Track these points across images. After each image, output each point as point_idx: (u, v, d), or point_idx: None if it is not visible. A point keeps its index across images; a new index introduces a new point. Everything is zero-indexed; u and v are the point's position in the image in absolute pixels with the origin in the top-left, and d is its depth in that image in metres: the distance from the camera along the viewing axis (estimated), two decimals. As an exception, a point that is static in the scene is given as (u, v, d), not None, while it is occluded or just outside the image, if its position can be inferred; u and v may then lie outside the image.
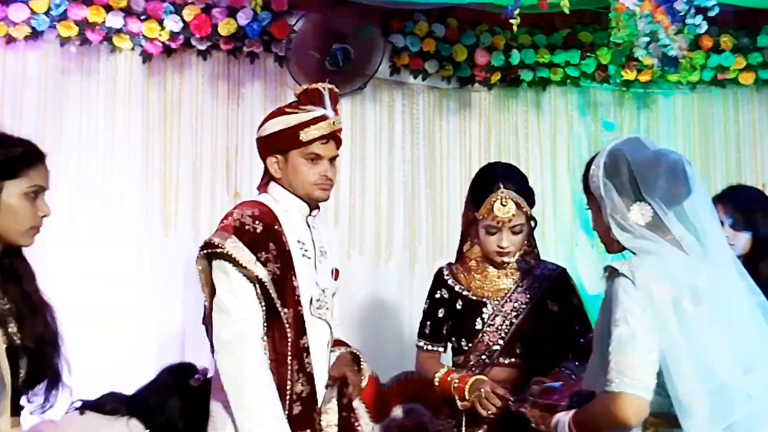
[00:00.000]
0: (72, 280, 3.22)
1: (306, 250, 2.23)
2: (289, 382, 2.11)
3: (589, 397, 1.83)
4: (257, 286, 2.11)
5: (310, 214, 2.29)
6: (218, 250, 2.12)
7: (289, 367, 2.11)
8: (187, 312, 3.41)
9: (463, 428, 2.38)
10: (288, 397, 2.11)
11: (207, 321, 2.21)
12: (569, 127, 4.00)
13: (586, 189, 1.87)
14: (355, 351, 2.36)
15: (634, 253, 1.78)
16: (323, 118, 2.23)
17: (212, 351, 2.17)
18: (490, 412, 2.28)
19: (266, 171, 2.31)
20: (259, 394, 2.06)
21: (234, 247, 2.11)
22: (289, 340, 2.12)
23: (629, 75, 3.88)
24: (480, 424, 2.36)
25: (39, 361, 1.62)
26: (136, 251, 3.45)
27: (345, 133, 2.40)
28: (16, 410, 1.62)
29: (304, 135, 2.21)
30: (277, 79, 3.66)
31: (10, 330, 1.58)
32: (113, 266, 3.38)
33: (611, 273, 1.75)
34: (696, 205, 1.78)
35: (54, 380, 1.66)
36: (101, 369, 3.11)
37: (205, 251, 2.16)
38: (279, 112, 2.28)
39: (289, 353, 2.12)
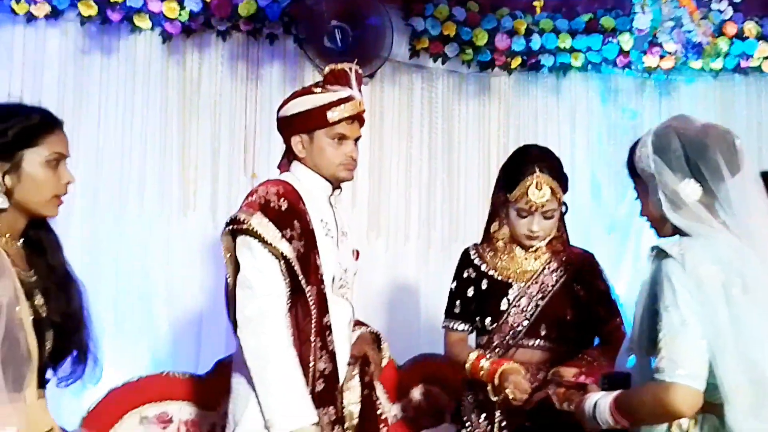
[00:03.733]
0: (90, 261, 3.23)
1: (329, 230, 2.24)
2: (312, 360, 2.11)
3: (624, 379, 1.81)
4: (282, 262, 2.11)
5: (332, 194, 2.29)
6: (244, 227, 2.12)
7: (312, 345, 2.12)
8: (204, 292, 3.42)
9: (495, 425, 2.37)
10: (311, 374, 2.11)
11: (229, 298, 2.20)
12: (589, 114, 3.97)
13: (633, 173, 1.84)
14: (375, 331, 2.37)
15: (682, 236, 1.74)
16: (350, 98, 2.23)
17: (234, 328, 2.18)
18: (520, 401, 2.27)
19: (289, 150, 2.30)
20: (283, 371, 2.07)
21: (259, 223, 2.11)
22: (313, 317, 2.13)
23: (651, 61, 3.83)
24: (514, 417, 2.36)
25: (65, 335, 1.62)
26: (154, 231, 3.45)
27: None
28: (41, 383, 1.62)
29: (331, 115, 2.21)
30: (296, 61, 3.63)
31: (36, 303, 1.58)
32: (131, 247, 3.39)
33: (659, 254, 1.71)
34: (745, 182, 1.74)
35: (80, 354, 1.67)
36: (117, 349, 3.13)
37: (230, 227, 2.16)
38: (305, 92, 2.27)
39: (313, 331, 2.12)
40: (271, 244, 2.10)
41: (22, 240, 1.64)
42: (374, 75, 3.59)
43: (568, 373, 2.17)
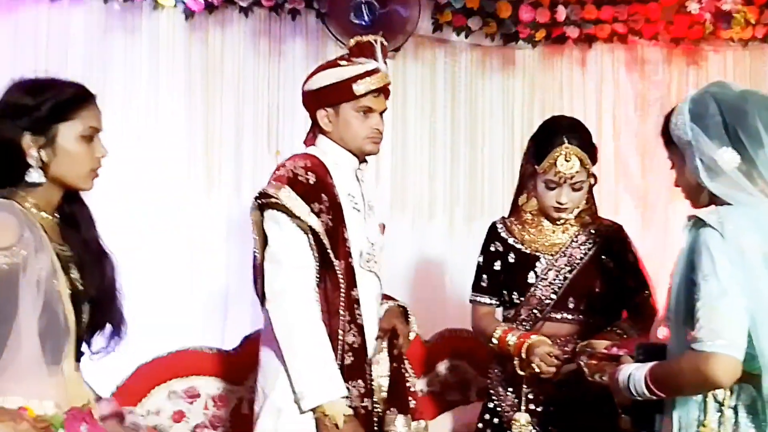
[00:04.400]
0: (115, 240, 3.25)
1: (356, 203, 2.24)
2: (341, 333, 2.12)
3: (660, 350, 1.78)
4: (310, 236, 2.11)
5: (358, 167, 2.29)
6: (272, 200, 2.12)
7: (341, 318, 2.12)
8: (229, 269, 3.44)
9: (523, 398, 2.37)
10: (340, 347, 2.12)
11: (257, 273, 2.21)
12: (615, 86, 3.89)
13: (668, 142, 1.80)
14: (403, 305, 2.37)
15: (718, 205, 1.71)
16: (376, 71, 2.22)
17: (262, 303, 2.19)
18: (548, 374, 2.27)
19: (314, 124, 2.29)
20: (312, 343, 2.08)
21: (288, 197, 2.11)
22: (341, 291, 2.13)
23: (679, 31, 3.75)
24: (542, 391, 2.35)
25: (100, 308, 1.63)
26: (180, 209, 3.47)
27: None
28: (77, 356, 1.64)
29: (357, 88, 2.19)
30: (318, 36, 3.61)
31: (72, 276, 1.59)
32: (156, 225, 3.41)
33: (696, 223, 1.68)
34: None
35: (115, 327, 1.68)
36: (144, 326, 3.15)
37: (258, 201, 2.16)
38: (331, 65, 2.26)
39: (341, 304, 2.12)
40: (299, 218, 2.10)
41: (56, 215, 1.66)
42: (399, 49, 3.56)
43: (600, 345, 2.16)
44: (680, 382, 1.68)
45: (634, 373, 1.75)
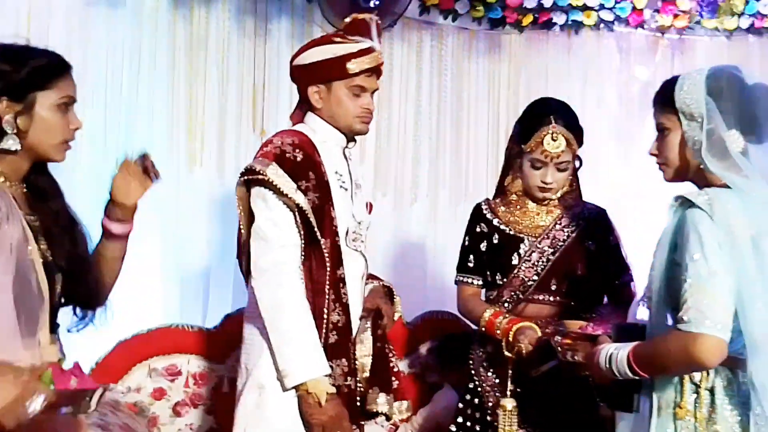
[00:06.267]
0: (96, 217, 3.22)
1: (343, 182, 2.22)
2: (325, 312, 2.11)
3: (639, 331, 1.78)
4: (297, 214, 2.09)
5: (346, 146, 2.27)
6: (259, 177, 2.09)
7: (326, 297, 2.11)
8: (211, 247, 3.42)
9: (509, 383, 2.38)
10: (324, 326, 2.11)
11: (243, 250, 2.19)
12: (600, 73, 3.92)
13: (664, 108, 1.76)
14: (387, 284, 2.37)
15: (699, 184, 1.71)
16: (370, 50, 2.19)
17: (247, 279, 2.18)
18: (533, 370, 2.29)
19: (304, 101, 2.26)
20: (297, 322, 2.07)
21: (275, 174, 2.08)
22: (327, 270, 2.12)
23: (665, 20, 3.77)
24: (524, 380, 2.37)
25: (72, 279, 1.62)
26: (162, 187, 3.43)
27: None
28: (52, 328, 1.62)
29: (351, 66, 2.16)
30: (304, 15, 3.59)
31: (41, 246, 1.58)
32: (138, 202, 3.38)
33: (683, 203, 1.67)
34: None
35: (88, 299, 1.67)
36: (124, 305, 3.13)
37: (245, 178, 2.13)
38: (325, 41, 2.22)
39: (327, 283, 2.11)
40: (286, 195, 2.08)
41: (24, 185, 1.64)
42: (393, 27, 3.55)
43: (574, 325, 2.18)
44: (666, 363, 1.69)
45: (615, 354, 1.75)
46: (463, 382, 2.58)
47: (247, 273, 2.17)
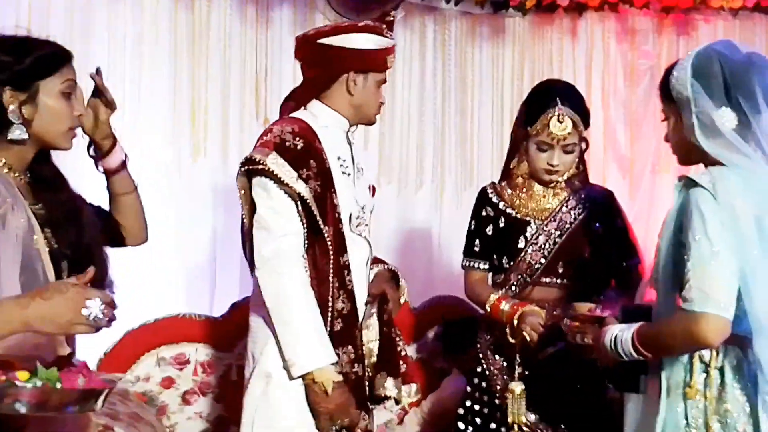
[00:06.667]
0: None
1: (345, 167, 2.20)
2: (330, 300, 2.10)
3: (645, 312, 1.78)
4: (299, 203, 2.08)
5: (349, 130, 2.26)
6: (259, 167, 2.08)
7: (331, 285, 2.10)
8: (216, 236, 3.42)
9: (517, 368, 2.38)
10: (330, 314, 2.10)
11: (246, 239, 2.19)
12: (605, 55, 3.89)
13: (665, 97, 1.78)
14: (393, 268, 2.36)
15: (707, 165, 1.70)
16: (395, 48, 2.23)
17: (251, 269, 2.17)
18: (540, 353, 2.30)
19: (316, 85, 2.20)
20: (301, 311, 2.06)
21: (275, 163, 2.07)
22: (331, 257, 2.11)
23: (669, 0, 3.74)
24: (531, 364, 2.37)
25: (78, 267, 1.61)
26: (166, 177, 3.44)
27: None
28: None
29: (388, 61, 2.20)
30: (306, 3, 3.57)
31: (46, 235, 1.58)
32: (143, 193, 3.37)
33: (687, 184, 1.67)
34: None
35: (96, 287, 1.66)
36: (131, 295, 3.13)
37: (245, 168, 2.12)
38: (369, 29, 2.18)
39: (331, 271, 2.10)
40: (287, 185, 2.07)
41: (28, 174, 1.64)
42: (395, 11, 3.53)
43: (583, 308, 2.17)
44: (669, 343, 1.69)
45: (620, 334, 1.75)
46: (470, 366, 2.58)
47: (251, 262, 2.17)
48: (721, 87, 1.68)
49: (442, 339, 3.26)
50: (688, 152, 1.77)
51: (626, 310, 1.85)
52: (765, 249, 1.63)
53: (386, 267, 2.36)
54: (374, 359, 2.23)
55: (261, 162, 2.08)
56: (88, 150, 1.84)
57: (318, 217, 2.09)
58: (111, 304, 1.40)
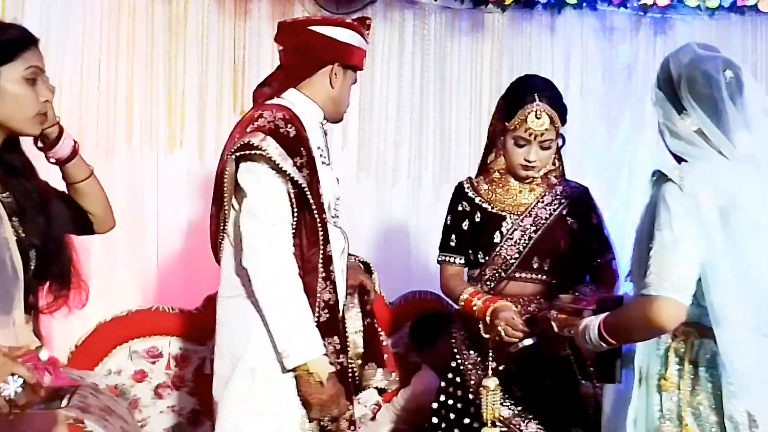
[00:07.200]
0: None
1: (324, 157, 2.18)
2: (318, 290, 2.07)
3: (617, 302, 1.82)
4: (292, 191, 2.04)
5: (322, 120, 2.24)
6: (257, 152, 2.01)
7: (319, 275, 2.07)
8: (192, 229, 3.40)
9: (489, 363, 2.38)
10: (317, 305, 2.07)
11: (222, 228, 2.13)
12: (583, 52, 3.91)
13: (653, 104, 1.86)
14: (363, 260, 2.36)
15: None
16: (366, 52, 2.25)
17: (217, 259, 2.14)
18: (512, 346, 2.29)
19: (294, 72, 2.17)
20: (294, 302, 2.02)
21: (275, 149, 2.01)
22: (320, 247, 2.07)
23: (647, -1, 3.76)
24: (505, 359, 2.37)
25: (46, 257, 1.59)
26: (142, 168, 3.41)
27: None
28: (27, 308, 1.58)
29: (363, 61, 2.23)
30: (285, -6, 3.55)
31: (14, 224, 1.55)
32: (118, 183, 3.35)
33: (659, 178, 1.73)
34: (747, 110, 1.74)
35: (62, 278, 1.64)
36: (105, 287, 3.12)
37: (242, 152, 2.03)
38: (354, 27, 2.20)
39: (320, 261, 2.07)
40: (284, 172, 2.01)
41: None
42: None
43: (568, 299, 2.18)
44: (628, 328, 1.74)
45: (590, 323, 1.80)
46: (441, 362, 2.58)
47: (215, 247, 2.13)
48: (676, 91, 1.76)
49: (411, 333, 3.26)
50: (674, 153, 1.81)
51: (600, 301, 1.87)
52: (728, 241, 1.67)
53: (358, 259, 2.35)
54: (359, 350, 2.21)
55: (259, 147, 2.00)
56: (36, 143, 1.75)
57: (314, 206, 2.05)
58: (34, 387, 1.36)
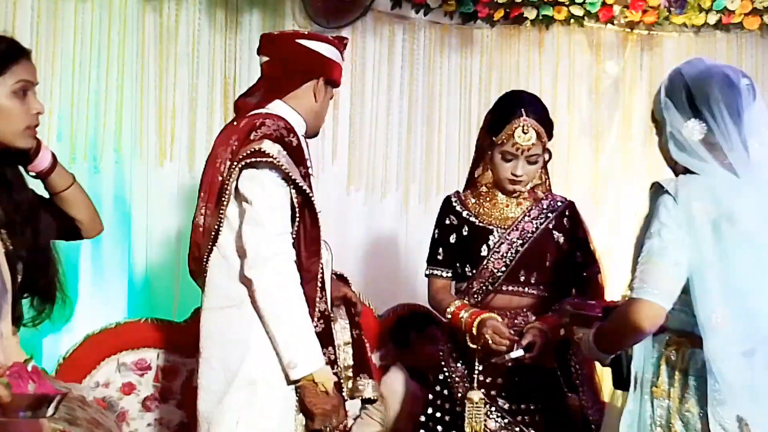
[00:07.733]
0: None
1: (311, 168, 2.20)
2: (317, 300, 2.07)
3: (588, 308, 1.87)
4: (298, 198, 2.03)
5: (305, 133, 2.25)
6: (267, 159, 1.99)
7: (317, 286, 2.08)
8: (181, 241, 3.40)
9: (475, 375, 2.40)
10: (316, 315, 2.07)
11: (213, 238, 2.12)
12: (571, 68, 3.95)
13: (652, 119, 1.90)
14: (340, 273, 2.38)
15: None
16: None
17: (199, 270, 2.13)
18: (499, 358, 2.31)
19: (279, 84, 2.17)
20: (300, 312, 2.02)
21: (284, 158, 2.01)
22: (320, 257, 2.08)
23: (634, 16, 3.81)
24: (492, 371, 2.39)
25: (33, 270, 1.59)
26: (132, 180, 3.42)
27: (345, 66, 2.38)
28: (14, 320, 1.59)
29: (341, 79, 2.27)
30: (275, 8, 3.58)
31: (2, 237, 1.55)
32: (108, 194, 3.35)
33: (657, 189, 1.76)
34: (754, 118, 1.78)
35: (49, 291, 1.64)
36: (94, 295, 3.11)
37: (252, 159, 2.00)
38: (335, 45, 2.23)
39: (320, 271, 2.08)
40: (294, 180, 2.01)
41: None
42: (366, 15, 3.55)
43: (580, 305, 2.18)
44: (612, 332, 1.78)
45: (588, 332, 1.85)
46: (420, 360, 2.58)
47: (198, 260, 2.13)
48: (686, 100, 1.79)
49: (390, 334, 3.26)
50: (675, 165, 1.85)
51: (606, 309, 1.89)
52: (719, 252, 1.70)
53: (336, 273, 2.36)
54: (349, 362, 2.22)
55: (270, 155, 1.98)
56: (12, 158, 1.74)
57: (318, 216, 2.06)
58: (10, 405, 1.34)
